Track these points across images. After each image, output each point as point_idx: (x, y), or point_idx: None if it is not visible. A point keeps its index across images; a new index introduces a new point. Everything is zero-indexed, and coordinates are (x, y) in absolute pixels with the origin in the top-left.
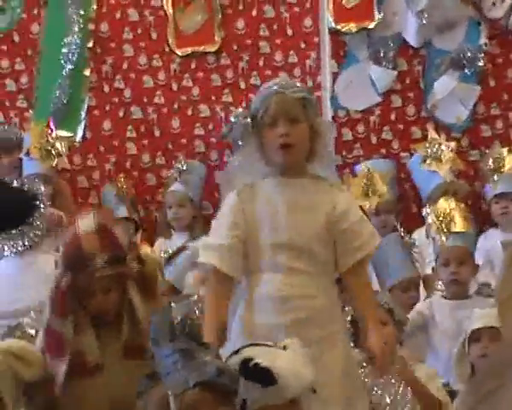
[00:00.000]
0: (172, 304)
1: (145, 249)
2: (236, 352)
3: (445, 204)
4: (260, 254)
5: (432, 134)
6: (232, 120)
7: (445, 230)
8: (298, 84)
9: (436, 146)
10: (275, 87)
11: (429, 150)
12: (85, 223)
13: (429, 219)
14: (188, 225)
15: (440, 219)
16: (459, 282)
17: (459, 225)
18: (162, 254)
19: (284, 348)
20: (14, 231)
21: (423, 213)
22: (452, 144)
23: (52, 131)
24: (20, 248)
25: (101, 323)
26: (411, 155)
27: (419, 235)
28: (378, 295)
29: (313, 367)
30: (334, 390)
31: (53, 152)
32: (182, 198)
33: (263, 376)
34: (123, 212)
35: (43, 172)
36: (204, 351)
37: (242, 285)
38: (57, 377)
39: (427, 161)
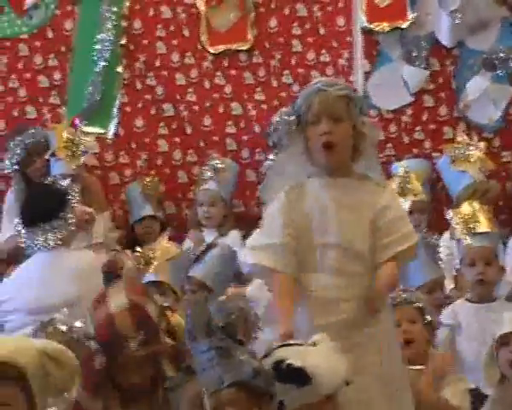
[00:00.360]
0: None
1: (176, 319)
2: (267, 354)
3: (469, 206)
4: (309, 253)
5: (461, 135)
6: (277, 119)
7: (471, 230)
8: (342, 83)
9: (465, 147)
10: (318, 85)
11: (457, 151)
12: (117, 301)
13: (453, 222)
14: (218, 224)
15: (465, 220)
16: (485, 282)
17: (484, 225)
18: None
19: (314, 344)
20: (45, 226)
21: (447, 216)
22: (481, 144)
23: (77, 129)
24: (50, 243)
25: (132, 398)
26: (441, 155)
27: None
28: (408, 293)
29: (353, 369)
30: (373, 393)
31: (79, 150)
32: (214, 197)
33: (297, 376)
34: (148, 210)
35: (70, 172)
36: (240, 350)
37: None
38: None
39: (457, 162)
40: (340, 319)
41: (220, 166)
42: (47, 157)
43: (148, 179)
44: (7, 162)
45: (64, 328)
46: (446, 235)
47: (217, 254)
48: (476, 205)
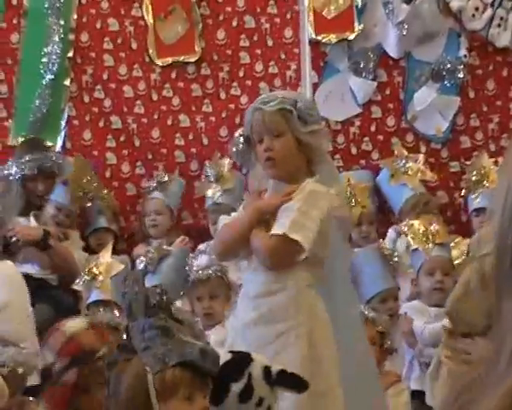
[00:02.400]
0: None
1: None
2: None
3: (423, 220)
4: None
5: (398, 150)
6: (236, 139)
7: (429, 241)
8: (280, 96)
9: (403, 161)
10: (255, 104)
11: (396, 165)
12: (76, 323)
13: (409, 232)
14: (165, 234)
15: (422, 232)
16: (443, 291)
17: (442, 236)
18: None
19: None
20: None
21: (402, 226)
22: (420, 157)
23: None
24: None
25: None
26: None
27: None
28: (377, 314)
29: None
30: None
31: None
32: (160, 205)
33: (295, 382)
34: (103, 222)
35: (66, 203)
36: (183, 330)
37: None
38: None
39: (396, 176)
40: (257, 314)
41: (165, 179)
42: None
43: (104, 192)
44: (14, 169)
45: None
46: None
47: (171, 263)
48: (429, 218)
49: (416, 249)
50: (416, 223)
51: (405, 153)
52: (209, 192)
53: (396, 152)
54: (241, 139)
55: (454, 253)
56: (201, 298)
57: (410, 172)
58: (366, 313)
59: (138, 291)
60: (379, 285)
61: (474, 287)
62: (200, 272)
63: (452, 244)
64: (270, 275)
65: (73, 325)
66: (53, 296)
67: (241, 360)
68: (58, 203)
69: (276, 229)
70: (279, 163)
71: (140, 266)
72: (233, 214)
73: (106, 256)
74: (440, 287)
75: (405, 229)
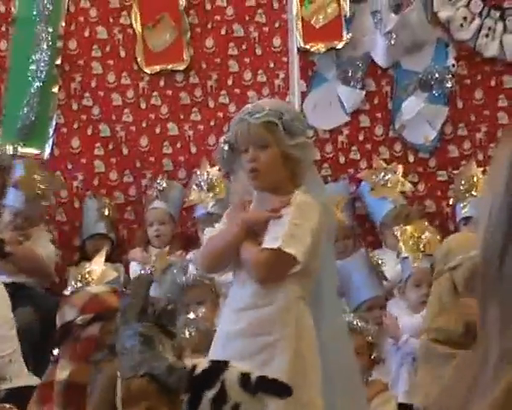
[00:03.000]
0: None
1: None
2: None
3: (417, 226)
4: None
5: (376, 163)
6: (220, 146)
7: (419, 251)
8: (266, 108)
9: (382, 173)
10: (240, 115)
11: (375, 177)
12: (99, 287)
13: (400, 239)
14: (167, 243)
15: (414, 239)
16: None
17: (433, 247)
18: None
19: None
20: None
21: (394, 233)
22: (399, 168)
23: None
24: None
25: None
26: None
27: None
28: (366, 324)
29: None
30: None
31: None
32: (163, 215)
33: (276, 388)
34: (101, 228)
35: (21, 207)
36: (164, 342)
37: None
38: None
39: (375, 189)
40: (241, 326)
41: (165, 185)
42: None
43: (107, 200)
44: None
45: None
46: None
47: (170, 280)
48: (423, 225)
49: (406, 258)
50: (409, 229)
51: (384, 165)
52: (198, 200)
53: (374, 165)
54: (226, 146)
55: None
56: (189, 305)
57: (389, 185)
58: (355, 322)
59: (137, 296)
60: (365, 294)
61: (445, 300)
62: (189, 277)
63: None
64: (259, 288)
65: (96, 288)
66: (35, 300)
67: (217, 367)
68: (13, 208)
69: (269, 243)
70: (263, 175)
71: (136, 269)
72: (217, 226)
73: (99, 263)
74: (425, 300)
75: (398, 234)
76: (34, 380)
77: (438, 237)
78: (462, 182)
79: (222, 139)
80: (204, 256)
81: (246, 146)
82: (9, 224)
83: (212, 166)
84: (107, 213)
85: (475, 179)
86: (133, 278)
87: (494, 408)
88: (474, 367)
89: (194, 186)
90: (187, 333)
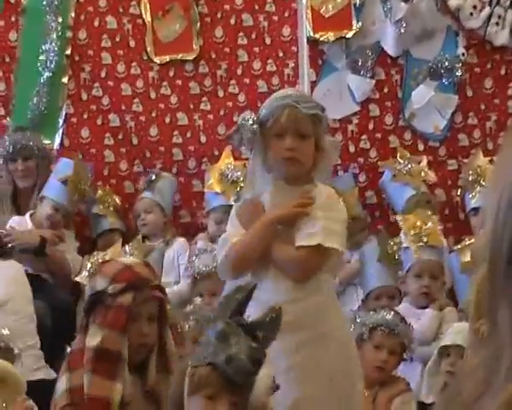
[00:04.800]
0: None
1: None
2: None
3: (420, 215)
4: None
5: (400, 151)
6: (240, 122)
7: (421, 242)
8: (311, 99)
9: (406, 161)
10: (288, 100)
11: (399, 166)
12: (130, 259)
13: (402, 228)
14: (158, 231)
15: (416, 229)
16: (429, 295)
17: (435, 238)
18: None
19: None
20: None
21: (397, 219)
22: (424, 159)
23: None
24: None
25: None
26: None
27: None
28: (401, 325)
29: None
30: (324, 391)
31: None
32: (149, 204)
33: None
34: (106, 224)
35: (67, 205)
36: (241, 338)
37: None
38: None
39: (398, 177)
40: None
41: (154, 177)
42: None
43: (100, 192)
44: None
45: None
46: None
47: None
48: (428, 215)
49: (407, 248)
50: (412, 218)
51: (408, 154)
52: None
53: (398, 154)
54: (256, 125)
55: (466, 256)
56: (203, 294)
57: (412, 174)
58: (394, 323)
59: (234, 297)
60: (373, 282)
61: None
62: (203, 268)
63: (459, 246)
64: (297, 283)
65: (129, 259)
66: (48, 292)
67: None
68: (55, 202)
69: (306, 240)
70: (301, 164)
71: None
72: (229, 229)
73: (115, 254)
74: (426, 292)
75: (401, 222)
76: (50, 374)
77: (440, 228)
78: (470, 172)
79: (245, 117)
80: (233, 262)
81: (285, 132)
82: (48, 218)
83: (235, 159)
84: (106, 206)
85: (483, 169)
86: (237, 286)
87: None
88: (485, 367)
89: (217, 175)
90: (186, 325)
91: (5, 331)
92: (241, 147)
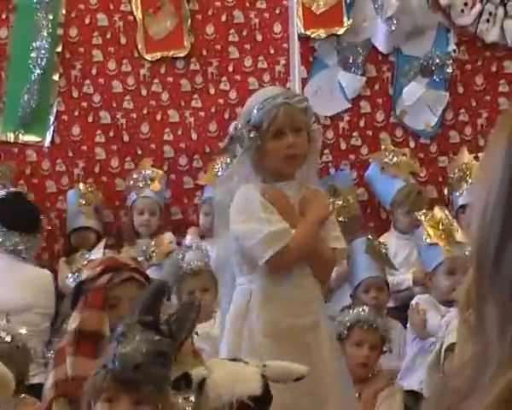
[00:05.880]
0: None
1: None
2: None
3: (442, 213)
4: None
5: (386, 144)
6: (234, 133)
7: (450, 238)
8: (298, 93)
9: (391, 154)
10: (279, 98)
11: (385, 159)
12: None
13: (425, 225)
14: (153, 233)
15: (443, 225)
16: None
17: (461, 234)
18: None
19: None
20: (23, 236)
21: (419, 217)
22: (406, 150)
23: None
24: (21, 253)
25: None
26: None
27: (386, 238)
28: (378, 318)
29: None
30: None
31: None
32: (153, 205)
33: None
34: (82, 221)
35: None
36: (138, 333)
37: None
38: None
39: (386, 169)
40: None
41: (152, 174)
42: None
43: (82, 188)
44: None
45: (8, 338)
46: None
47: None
48: (447, 212)
49: (434, 244)
50: (438, 213)
51: (392, 147)
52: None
53: (383, 147)
54: (251, 129)
55: None
56: (193, 292)
57: (399, 166)
58: (371, 318)
59: (141, 297)
60: (362, 274)
61: None
62: (192, 264)
63: None
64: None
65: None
66: None
67: None
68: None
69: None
70: (300, 159)
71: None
72: (252, 218)
73: (98, 254)
74: (456, 288)
75: (423, 218)
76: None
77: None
78: (456, 170)
79: (239, 126)
80: (297, 252)
81: (283, 130)
82: None
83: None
84: (87, 203)
85: (468, 166)
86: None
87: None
88: (472, 365)
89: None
90: None
91: (23, 331)
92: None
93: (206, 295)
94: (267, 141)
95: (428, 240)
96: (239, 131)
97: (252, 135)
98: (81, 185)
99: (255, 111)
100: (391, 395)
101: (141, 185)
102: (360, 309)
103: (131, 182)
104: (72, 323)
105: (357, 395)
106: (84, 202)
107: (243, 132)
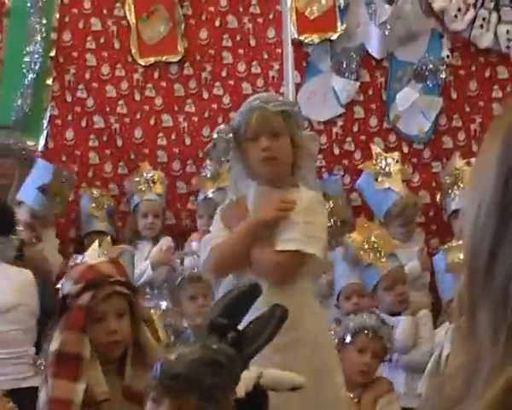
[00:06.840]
0: None
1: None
2: None
3: (361, 232)
4: None
5: (376, 151)
6: (215, 136)
7: (378, 254)
8: (280, 98)
9: (383, 161)
10: (256, 102)
11: (378, 167)
12: (97, 259)
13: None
14: (155, 236)
15: (368, 245)
16: (406, 300)
17: (390, 246)
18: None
19: None
20: None
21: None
22: (395, 154)
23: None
24: None
25: (103, 362)
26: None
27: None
28: (382, 326)
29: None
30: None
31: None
32: (157, 207)
33: None
34: (96, 225)
35: (43, 211)
36: (200, 339)
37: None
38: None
39: (379, 179)
40: None
41: (154, 177)
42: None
43: (95, 192)
44: None
45: None
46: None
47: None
48: (365, 227)
49: (370, 265)
50: (357, 237)
51: (383, 153)
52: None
53: (374, 154)
54: (230, 134)
55: (452, 257)
56: (195, 297)
57: (392, 173)
58: (379, 326)
59: (221, 299)
60: (341, 282)
61: None
62: (195, 270)
63: (445, 247)
64: (274, 286)
65: (96, 259)
66: None
67: None
68: (34, 210)
69: (286, 244)
70: (278, 163)
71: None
72: (213, 229)
73: (92, 256)
74: (404, 298)
75: (349, 241)
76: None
77: (385, 230)
78: (447, 177)
79: (220, 129)
80: (214, 264)
81: (258, 135)
82: (27, 225)
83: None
84: (100, 207)
85: (460, 172)
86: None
87: None
88: (465, 370)
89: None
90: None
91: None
92: (220, 161)
93: (209, 301)
94: (246, 144)
95: (363, 262)
96: (219, 133)
97: (227, 137)
98: (94, 190)
99: (237, 115)
100: (390, 402)
101: (143, 188)
102: (366, 316)
103: (133, 185)
104: (54, 343)
105: (356, 400)
106: (95, 205)
107: (222, 136)
